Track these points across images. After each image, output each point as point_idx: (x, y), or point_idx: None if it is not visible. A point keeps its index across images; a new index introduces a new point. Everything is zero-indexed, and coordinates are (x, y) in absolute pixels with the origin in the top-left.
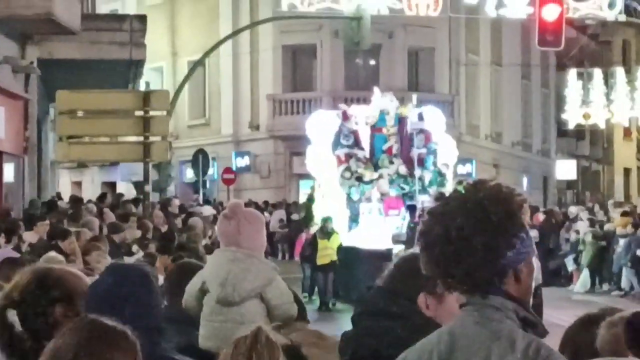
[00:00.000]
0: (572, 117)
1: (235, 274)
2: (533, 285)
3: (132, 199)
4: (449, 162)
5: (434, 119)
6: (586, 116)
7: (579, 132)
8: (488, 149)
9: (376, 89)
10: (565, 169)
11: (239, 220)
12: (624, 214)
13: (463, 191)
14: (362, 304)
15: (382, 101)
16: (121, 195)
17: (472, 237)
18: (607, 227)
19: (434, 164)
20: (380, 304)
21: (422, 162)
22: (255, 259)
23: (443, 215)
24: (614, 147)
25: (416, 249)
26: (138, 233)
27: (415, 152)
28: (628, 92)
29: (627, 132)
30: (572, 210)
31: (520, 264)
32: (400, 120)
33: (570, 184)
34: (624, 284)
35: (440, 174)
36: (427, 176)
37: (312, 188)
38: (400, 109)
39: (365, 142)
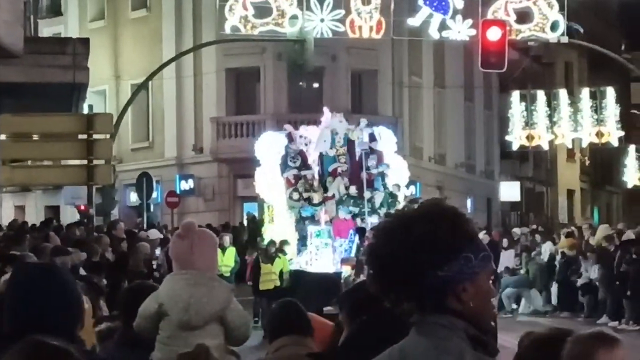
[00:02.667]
0: (516, 138)
1: (197, 297)
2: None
3: (75, 222)
4: (400, 183)
5: (385, 139)
6: (529, 138)
7: (523, 154)
8: (432, 170)
9: (325, 109)
10: (509, 191)
11: (192, 240)
12: (568, 235)
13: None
14: (352, 339)
15: (331, 122)
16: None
17: (406, 254)
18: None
19: (385, 185)
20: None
21: (372, 184)
22: (216, 281)
23: (384, 231)
24: (557, 169)
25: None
26: (83, 255)
27: (364, 173)
28: (571, 114)
29: (570, 154)
30: (516, 231)
31: (463, 284)
32: (349, 142)
33: (514, 206)
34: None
35: (392, 195)
36: (378, 198)
37: (248, 214)
38: (350, 133)
39: (315, 162)
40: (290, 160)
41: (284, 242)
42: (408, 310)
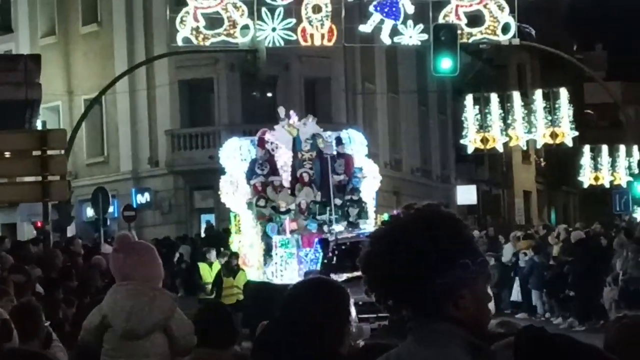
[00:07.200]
0: (470, 142)
1: (139, 307)
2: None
3: (31, 239)
4: (372, 189)
5: (355, 142)
6: (484, 141)
7: (478, 157)
8: (388, 176)
9: (280, 108)
10: (466, 194)
11: (127, 253)
12: (525, 236)
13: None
14: (260, 339)
15: (310, 124)
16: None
17: (404, 263)
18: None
19: (355, 190)
20: (279, 335)
21: (341, 189)
22: (157, 291)
23: (381, 239)
24: (513, 171)
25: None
26: (38, 271)
27: (333, 179)
28: (525, 116)
29: (525, 156)
30: (475, 234)
31: (461, 291)
32: (317, 147)
33: (471, 209)
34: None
35: (361, 202)
36: (347, 204)
37: (208, 222)
38: (317, 139)
39: (283, 168)
40: (258, 168)
41: (233, 255)
42: (406, 317)
